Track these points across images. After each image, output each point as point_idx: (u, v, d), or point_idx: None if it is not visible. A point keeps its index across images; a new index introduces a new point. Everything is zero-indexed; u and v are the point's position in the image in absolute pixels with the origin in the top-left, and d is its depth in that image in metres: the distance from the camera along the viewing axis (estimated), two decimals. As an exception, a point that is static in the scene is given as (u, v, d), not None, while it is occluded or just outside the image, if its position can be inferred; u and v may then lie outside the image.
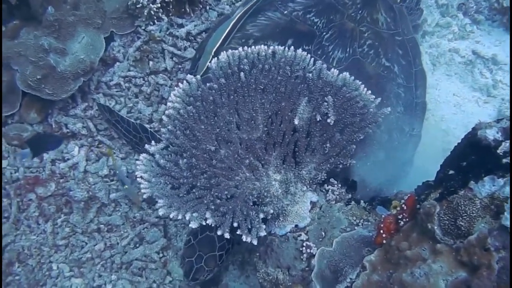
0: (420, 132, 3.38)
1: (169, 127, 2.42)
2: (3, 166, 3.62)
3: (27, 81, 3.45)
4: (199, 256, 2.71)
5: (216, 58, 2.52)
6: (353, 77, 2.56)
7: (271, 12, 3.35)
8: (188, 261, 2.73)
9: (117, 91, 3.90)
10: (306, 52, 2.59)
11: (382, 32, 3.32)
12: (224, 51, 2.54)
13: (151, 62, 3.91)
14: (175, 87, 2.48)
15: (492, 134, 1.99)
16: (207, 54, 3.17)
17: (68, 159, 3.70)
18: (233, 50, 2.54)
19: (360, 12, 3.29)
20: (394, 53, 3.33)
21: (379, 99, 2.59)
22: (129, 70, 3.93)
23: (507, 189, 1.72)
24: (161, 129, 2.45)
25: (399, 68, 3.31)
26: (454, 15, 4.45)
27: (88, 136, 3.79)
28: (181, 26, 4.03)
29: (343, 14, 3.26)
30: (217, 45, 3.15)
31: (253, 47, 2.55)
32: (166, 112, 2.43)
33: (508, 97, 3.95)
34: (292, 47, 2.57)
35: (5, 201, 3.58)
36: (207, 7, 4.17)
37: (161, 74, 3.95)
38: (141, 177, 2.31)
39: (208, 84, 2.51)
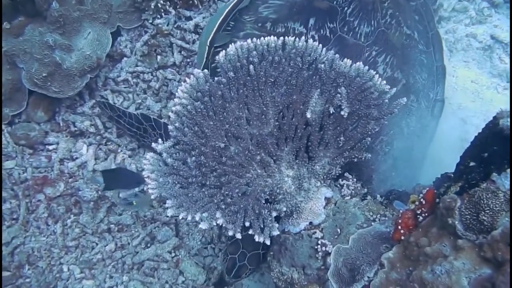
0: (443, 96, 3.31)
1: (177, 124, 2.33)
2: (10, 166, 3.57)
3: (33, 79, 3.39)
4: (242, 254, 2.70)
5: (224, 51, 2.42)
6: (367, 67, 2.44)
7: None
8: (231, 257, 2.71)
9: (125, 87, 3.85)
10: (317, 43, 2.48)
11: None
12: (233, 43, 2.44)
13: (159, 57, 3.84)
14: (182, 82, 2.39)
15: None
16: (202, 45, 3.04)
17: (76, 158, 3.66)
18: (242, 42, 2.44)
19: None
20: (412, 20, 3.27)
21: (394, 89, 2.47)
22: (136, 65, 3.87)
23: None
24: (169, 126, 2.35)
25: (418, 35, 3.26)
26: (471, -2, 4.33)
27: (96, 134, 3.73)
28: (189, 18, 3.96)
29: None
30: (212, 34, 3.01)
31: (262, 38, 2.45)
32: (173, 108, 2.34)
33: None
34: (303, 37, 2.47)
35: (13, 202, 3.53)
36: (215, -1, 4.09)
37: (169, 69, 3.89)
38: (148, 177, 2.23)
39: (216, 78, 2.42)
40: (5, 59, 3.48)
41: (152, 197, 2.19)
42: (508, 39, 4.03)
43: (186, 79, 2.39)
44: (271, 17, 3.09)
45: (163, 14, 3.86)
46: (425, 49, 3.27)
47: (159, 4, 3.76)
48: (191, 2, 3.93)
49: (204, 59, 3.03)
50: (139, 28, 3.93)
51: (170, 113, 2.34)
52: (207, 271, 3.50)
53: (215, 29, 3.02)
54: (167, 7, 3.84)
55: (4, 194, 3.52)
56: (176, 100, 2.34)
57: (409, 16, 3.26)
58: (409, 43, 3.17)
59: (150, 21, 3.88)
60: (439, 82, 3.29)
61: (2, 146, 3.57)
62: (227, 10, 3.04)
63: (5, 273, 3.39)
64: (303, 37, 2.47)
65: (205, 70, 2.42)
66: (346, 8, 3.04)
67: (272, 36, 2.46)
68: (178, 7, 3.91)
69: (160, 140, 2.34)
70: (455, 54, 4.09)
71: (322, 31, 2.99)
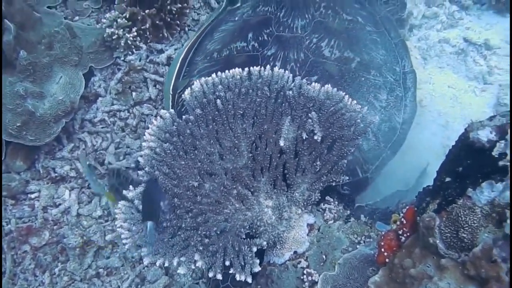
0: (412, 68, 3.33)
1: (146, 168, 2.31)
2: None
3: (7, 130, 3.36)
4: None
5: (189, 88, 2.41)
6: (335, 89, 2.43)
7: (224, 25, 3.48)
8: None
9: (102, 127, 3.82)
10: (283, 70, 2.47)
11: None
12: (197, 80, 2.43)
13: (134, 93, 3.82)
14: (149, 125, 2.37)
15: (485, 135, 1.85)
16: (166, 94, 3.23)
17: (59, 204, 3.61)
18: (206, 78, 2.43)
19: None
20: (352, 8, 3.40)
21: (366, 107, 2.46)
22: (112, 104, 3.84)
23: (507, 193, 1.59)
24: (138, 171, 2.33)
25: (363, 19, 3.37)
26: (440, 4, 4.32)
27: (78, 177, 3.69)
28: (161, 51, 3.95)
29: None
30: (172, 82, 3.22)
31: (227, 71, 2.45)
32: (142, 153, 2.32)
33: (505, 82, 3.81)
34: (268, 66, 2.46)
35: (-1, 255, 3.51)
36: (186, 29, 4.09)
37: (145, 104, 3.87)
38: (120, 226, 2.19)
39: (184, 117, 2.40)
40: (-22, 111, 3.47)
41: (126, 247, 2.15)
42: (481, 41, 4.03)
43: (153, 121, 2.37)
44: (217, 48, 3.31)
45: (134, 50, 3.85)
46: (376, 29, 3.37)
47: (129, 41, 3.75)
48: (161, 35, 3.93)
49: (170, 106, 3.21)
50: (112, 66, 3.91)
51: (139, 158, 2.32)
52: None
53: (174, 77, 3.22)
54: (138, 42, 3.83)
55: (-12, 248, 3.49)
56: (144, 143, 2.32)
57: (347, 5, 3.40)
58: (353, 26, 3.29)
59: (122, 58, 3.87)
60: (402, 56, 3.34)
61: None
62: (180, 58, 3.32)
63: (-3, 330, 3.35)
64: (268, 66, 2.46)
65: (171, 110, 2.40)
66: (278, 13, 3.28)
67: (236, 69, 2.45)
68: (148, 41, 3.90)
69: (131, 186, 2.32)
70: (429, 61, 4.09)
71: (260, 38, 3.18)
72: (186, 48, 3.39)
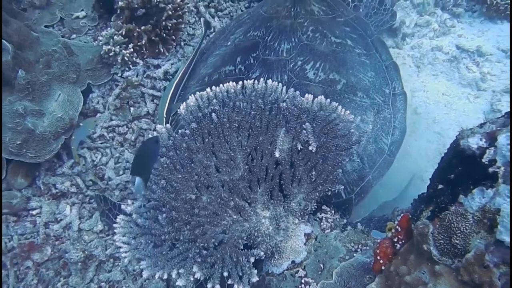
0: (403, 89, 3.35)
1: (144, 182, 2.34)
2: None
3: (8, 148, 3.40)
4: None
5: (184, 103, 2.45)
6: (328, 100, 2.47)
7: (217, 50, 3.64)
8: None
9: (101, 143, 3.87)
10: (276, 82, 2.52)
11: (320, 18, 3.48)
12: (192, 95, 2.47)
13: (132, 108, 3.87)
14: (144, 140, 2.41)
15: (475, 142, 1.87)
16: (161, 118, 3.36)
17: (61, 219, 3.65)
18: (201, 92, 2.47)
19: (292, 9, 3.50)
20: (341, 31, 3.45)
21: (359, 118, 2.50)
22: (111, 120, 3.89)
23: (498, 200, 1.61)
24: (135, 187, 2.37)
25: (352, 42, 3.42)
26: (432, 12, 4.38)
27: (78, 193, 3.73)
28: (157, 66, 4.01)
29: (278, 18, 3.49)
30: (166, 106, 3.35)
31: (221, 85, 2.49)
32: (139, 168, 2.36)
33: (499, 88, 3.84)
34: (262, 79, 2.51)
35: (2, 272, 3.52)
36: (182, 43, 4.16)
37: (143, 119, 3.91)
38: (119, 240, 2.23)
39: (180, 131, 2.44)
40: (-21, 131, 3.51)
41: (125, 260, 2.19)
42: (474, 48, 4.07)
43: (149, 136, 2.41)
44: (209, 71, 3.47)
45: (131, 66, 3.91)
46: (365, 52, 3.40)
47: (125, 57, 3.80)
48: (157, 50, 3.98)
49: None
50: (110, 82, 3.96)
51: (136, 173, 2.35)
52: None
53: (168, 101, 3.36)
54: (134, 58, 3.89)
55: (-8, 265, 3.53)
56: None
57: (336, 29, 3.45)
58: (341, 49, 3.34)
59: (120, 75, 3.92)
60: (393, 78, 3.36)
61: (-15, 217, 3.58)
62: (174, 83, 3.48)
63: None
64: (262, 79, 2.51)
65: (168, 125, 2.44)
66: (266, 37, 3.39)
67: (230, 83, 2.50)
68: (145, 57, 3.96)
69: (129, 201, 2.35)
70: (422, 69, 4.13)
71: (247, 61, 3.32)
72: (180, 74, 3.54)
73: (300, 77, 3.10)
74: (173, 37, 4.04)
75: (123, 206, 2.35)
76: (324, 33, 3.36)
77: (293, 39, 3.30)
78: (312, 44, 3.28)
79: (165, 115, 3.35)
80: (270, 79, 2.55)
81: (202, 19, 4.01)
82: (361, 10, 3.94)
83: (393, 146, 3.12)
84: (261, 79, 2.50)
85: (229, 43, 3.61)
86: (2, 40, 3.44)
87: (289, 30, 3.34)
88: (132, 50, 3.85)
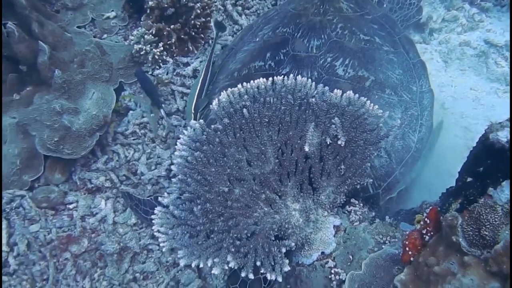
0: (430, 87, 3.39)
1: (179, 176, 2.43)
2: (36, 229, 3.70)
3: (46, 145, 3.52)
4: (242, 282, 2.60)
5: (216, 99, 2.52)
6: (357, 95, 2.52)
7: (246, 46, 3.67)
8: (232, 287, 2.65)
9: (134, 139, 3.96)
10: (306, 78, 2.58)
11: (349, 15, 3.52)
12: (224, 91, 2.55)
13: (163, 105, 3.96)
14: (180, 135, 2.49)
15: (504, 135, 1.91)
16: (189, 114, 3.46)
17: (96, 213, 3.75)
18: (233, 88, 2.54)
19: (321, 7, 3.54)
20: (369, 28, 3.49)
21: (387, 112, 2.54)
22: (142, 117, 3.98)
23: None
24: (172, 179, 2.45)
25: (380, 39, 3.45)
26: (460, 7, 4.37)
27: (112, 187, 3.84)
28: (186, 64, 4.09)
29: (307, 15, 3.53)
30: (194, 102, 3.43)
31: (251, 81, 2.56)
32: (174, 161, 2.44)
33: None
34: (291, 75, 2.57)
35: (42, 263, 3.64)
36: (210, 41, 4.23)
37: (174, 115, 4.00)
38: (158, 231, 2.31)
39: (213, 126, 2.52)
40: (19, 129, 3.63)
41: (164, 250, 2.27)
42: (502, 42, 4.05)
43: (184, 131, 2.49)
44: (237, 67, 3.51)
45: (161, 64, 4.00)
46: (393, 49, 3.43)
47: (156, 56, 3.90)
48: (186, 48, 4.07)
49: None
50: (141, 80, 4.06)
51: (172, 166, 2.44)
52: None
53: (195, 97, 3.44)
54: (164, 57, 3.98)
55: (32, 257, 3.63)
56: (176, 153, 2.44)
57: (364, 26, 3.49)
58: (370, 46, 3.37)
59: (150, 73, 4.02)
60: (420, 76, 3.40)
61: (26, 211, 3.70)
62: (200, 80, 3.54)
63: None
64: (291, 75, 2.57)
65: (201, 121, 2.52)
66: (296, 34, 3.41)
67: (261, 79, 2.56)
68: (175, 55, 4.05)
69: (165, 193, 2.44)
70: (450, 64, 4.13)
71: (277, 57, 3.36)
72: (204, 70, 3.59)
73: (330, 73, 3.14)
74: (202, 35, 4.12)
75: (160, 198, 2.43)
76: (352, 31, 3.39)
77: (322, 36, 3.33)
78: (341, 41, 3.32)
79: (193, 111, 3.43)
80: (300, 75, 2.61)
81: (212, 20, 4.05)
82: (385, 5, 3.96)
83: (419, 143, 3.15)
84: (291, 75, 2.56)
85: (257, 39, 3.65)
86: (39, 41, 3.57)
87: (318, 27, 3.38)
88: (162, 48, 3.94)
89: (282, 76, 2.57)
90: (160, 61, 3.98)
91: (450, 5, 4.37)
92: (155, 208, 2.40)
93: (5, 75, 3.76)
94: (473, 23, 4.27)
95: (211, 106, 2.53)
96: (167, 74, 3.99)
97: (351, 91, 2.52)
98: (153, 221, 2.37)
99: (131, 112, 3.98)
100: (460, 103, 3.88)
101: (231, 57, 3.73)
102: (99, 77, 3.83)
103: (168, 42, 3.97)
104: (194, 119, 3.38)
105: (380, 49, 3.38)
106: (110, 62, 3.94)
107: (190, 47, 4.07)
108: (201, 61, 4.09)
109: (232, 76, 3.48)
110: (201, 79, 3.54)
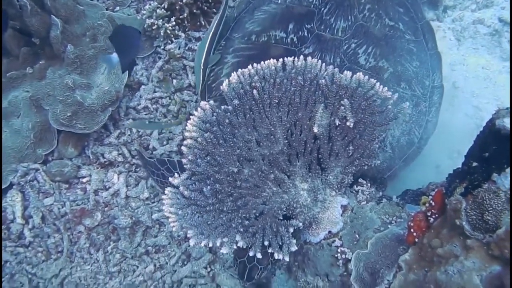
0: (441, 82, 3.35)
1: (190, 157, 2.46)
2: (50, 203, 3.79)
3: (59, 120, 3.58)
4: (250, 256, 2.60)
5: (227, 80, 2.54)
6: (367, 77, 2.53)
7: (266, 6, 3.47)
8: (240, 261, 2.68)
9: (146, 114, 3.99)
10: (316, 59, 2.59)
11: None
12: (234, 72, 2.56)
13: (174, 80, 3.97)
14: (191, 116, 2.52)
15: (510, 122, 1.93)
16: (197, 69, 3.30)
17: (109, 187, 3.82)
18: (243, 70, 2.56)
19: None
20: (395, 12, 3.39)
21: (396, 95, 2.56)
22: (154, 92, 4.01)
23: None
24: (182, 160, 2.49)
25: (404, 25, 3.36)
26: (475, -17, 4.31)
27: (125, 162, 3.90)
28: (198, 39, 4.07)
29: None
30: (203, 57, 3.28)
31: (262, 62, 2.57)
32: (184, 142, 2.48)
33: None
34: (302, 56, 2.57)
35: (56, 236, 3.74)
36: (223, 15, 4.22)
37: (185, 91, 4.02)
38: (168, 211, 2.37)
39: (223, 107, 2.55)
40: (32, 103, 3.69)
41: (174, 229, 2.33)
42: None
43: (194, 112, 2.52)
44: (256, 30, 3.36)
45: (173, 39, 4.00)
46: (414, 38, 3.37)
47: (168, 30, 3.90)
48: (198, 23, 4.06)
49: (201, 82, 3.30)
50: (153, 55, 4.07)
51: (182, 147, 2.48)
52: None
53: (205, 52, 3.29)
54: (176, 31, 3.97)
55: (47, 229, 3.73)
56: (186, 134, 2.48)
57: (391, 9, 3.38)
58: (393, 33, 3.29)
59: (162, 47, 4.02)
60: (434, 69, 3.35)
61: (40, 184, 3.78)
62: (210, 34, 3.35)
63: (57, 304, 3.64)
64: (301, 56, 2.58)
65: (211, 101, 2.54)
66: (322, 9, 3.27)
67: (271, 60, 2.57)
68: (187, 30, 4.04)
69: (176, 174, 2.49)
70: (463, 42, 4.09)
71: (300, 32, 3.23)
72: (215, 25, 3.41)
73: (352, 61, 3.11)
74: (214, 9, 4.09)
75: (170, 179, 2.48)
76: (379, 14, 3.31)
77: (349, 17, 3.24)
78: (367, 25, 3.25)
79: (202, 67, 3.32)
80: (322, 59, 2.58)
81: None
82: None
83: (423, 140, 3.18)
84: (301, 56, 2.57)
85: (279, 0, 3.45)
86: (51, 15, 3.59)
87: (346, 5, 3.27)
88: (174, 23, 3.93)
89: (292, 57, 2.58)
90: (172, 35, 3.97)
91: (465, -18, 4.33)
92: (166, 189, 2.45)
93: (18, 48, 3.80)
94: (488, 0, 4.20)
95: (221, 87, 2.55)
96: (179, 48, 3.98)
97: (361, 73, 2.53)
98: (163, 202, 2.42)
99: (143, 87, 4.01)
100: (472, 82, 3.86)
101: (248, 13, 3.54)
102: (111, 52, 3.84)
103: (180, 17, 3.96)
104: (203, 76, 3.32)
105: (402, 37, 3.32)
106: (123, 37, 3.95)
107: (202, 22, 4.05)
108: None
109: (249, 39, 3.35)
110: (211, 33, 3.38)
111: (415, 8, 3.48)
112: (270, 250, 2.34)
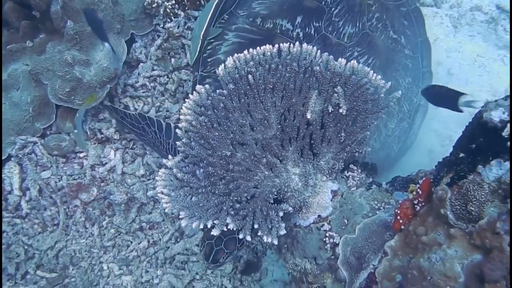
0: (427, 102, 3.40)
1: (184, 139, 2.52)
2: (47, 176, 3.86)
3: (57, 95, 3.62)
4: (218, 239, 2.66)
5: (222, 64, 2.58)
6: (361, 65, 2.57)
7: None
8: (208, 243, 2.70)
9: (143, 92, 4.03)
10: (311, 46, 2.62)
11: (387, 4, 3.39)
12: (230, 56, 2.59)
13: (173, 59, 4.00)
14: (186, 99, 2.57)
15: (497, 115, 1.94)
16: (195, 38, 3.29)
17: (106, 163, 3.89)
18: (239, 54, 2.59)
19: None
20: (400, 25, 3.41)
21: (389, 83, 2.60)
22: (153, 70, 4.03)
23: None
24: (177, 142, 2.54)
25: (405, 39, 3.39)
26: (475, -31, 4.30)
27: (122, 139, 3.95)
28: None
29: None
30: (204, 27, 3.25)
31: (258, 48, 2.60)
32: (179, 125, 2.53)
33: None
34: (297, 43, 2.60)
35: (53, 209, 3.82)
36: (222, -4, 4.21)
37: (183, 70, 4.05)
38: (161, 192, 2.43)
39: (217, 91, 2.58)
40: (31, 76, 3.73)
41: (166, 211, 2.40)
42: (514, 8, 4.01)
43: (189, 95, 2.56)
44: (262, 13, 3.30)
45: (173, 17, 4.00)
46: (412, 54, 3.40)
47: (167, 9, 3.90)
48: (198, 2, 4.05)
49: (197, 53, 3.29)
50: (152, 33, 4.07)
51: (177, 130, 2.53)
52: (233, 260, 3.72)
53: (206, 22, 3.25)
54: (176, 10, 3.98)
55: (44, 202, 3.81)
56: (181, 117, 2.52)
57: (397, 21, 3.39)
58: (394, 47, 3.32)
59: (161, 25, 4.03)
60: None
61: (38, 157, 3.85)
62: (214, 5, 3.28)
63: (52, 275, 3.71)
64: (297, 43, 2.60)
65: (207, 86, 2.58)
66: (333, 9, 3.24)
67: (267, 45, 2.60)
68: (186, 8, 4.04)
69: (170, 156, 2.54)
70: (460, 29, 4.11)
71: (307, 29, 3.21)
72: None
73: None
74: (214, -11, 4.11)
75: (164, 161, 2.54)
76: (385, 25, 3.32)
77: (357, 24, 3.25)
78: (372, 35, 3.26)
79: (201, 37, 3.29)
80: None
81: None
82: None
83: (400, 154, 3.27)
84: (297, 43, 2.60)
85: None
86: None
87: (357, 10, 3.27)
88: (174, 1, 3.93)
89: (288, 44, 2.61)
90: (171, 14, 3.97)
91: (465, -32, 4.32)
92: (160, 170, 2.51)
93: (18, 21, 3.81)
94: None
95: (217, 71, 2.59)
96: (178, 27, 4.00)
97: (355, 61, 2.57)
98: (156, 183, 2.48)
99: (141, 64, 4.03)
100: (466, 70, 3.89)
101: None
102: (111, 28, 3.85)
103: (180, -5, 3.97)
104: (200, 46, 3.31)
105: (402, 51, 3.35)
106: (122, 14, 3.93)
107: (202, 1, 4.05)
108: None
109: (253, 21, 3.29)
110: (215, 3, 3.32)
111: (418, 21, 3.51)
112: (259, 233, 2.40)
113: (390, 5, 3.41)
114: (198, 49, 3.31)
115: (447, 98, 2.72)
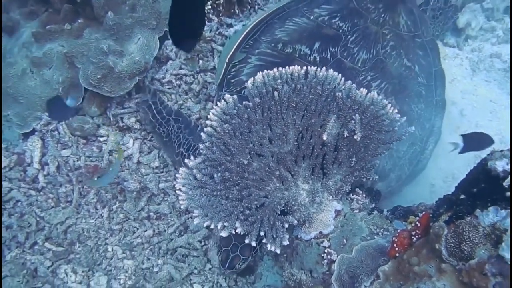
0: (440, 129, 3.54)
1: (207, 143, 2.66)
2: (67, 154, 4.02)
3: (88, 80, 3.78)
4: (234, 245, 2.84)
5: (252, 78, 2.72)
6: (380, 97, 2.70)
7: (298, 18, 3.62)
8: (224, 250, 2.87)
9: (169, 88, 4.18)
10: (337, 73, 2.76)
11: (403, 35, 3.55)
12: (260, 72, 2.73)
13: (201, 61, 4.15)
14: (214, 106, 2.72)
15: (501, 165, 2.07)
16: (222, 62, 3.47)
17: (123, 150, 4.03)
18: (268, 71, 2.74)
19: (382, 16, 3.53)
20: (414, 54, 3.55)
21: (405, 118, 2.73)
22: (180, 68, 4.18)
23: (507, 221, 1.83)
24: (200, 145, 2.69)
25: (419, 68, 3.53)
26: (499, 18, 4.42)
27: (141, 129, 4.11)
28: (230, 26, 4.25)
29: (367, 18, 3.52)
30: (231, 52, 3.45)
31: (287, 67, 2.75)
32: (205, 129, 2.67)
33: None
34: (324, 68, 2.73)
35: (68, 186, 3.98)
36: (256, 7, 4.37)
37: (209, 73, 4.19)
38: (179, 189, 2.59)
39: (244, 103, 2.73)
40: (65, 58, 3.90)
41: (182, 207, 2.55)
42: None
43: (218, 103, 2.71)
44: (284, 39, 3.51)
45: (206, 21, 4.16)
46: (426, 82, 3.54)
47: (203, 13, 4.07)
48: (232, 10, 4.22)
49: (222, 74, 3.46)
50: (185, 33, 4.23)
51: (202, 134, 2.68)
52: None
53: (233, 49, 3.46)
54: (211, 15, 4.14)
55: (60, 179, 3.97)
56: (207, 122, 2.67)
57: (412, 51, 3.53)
58: (407, 74, 3.46)
59: (195, 28, 4.19)
60: (437, 114, 3.54)
61: (60, 135, 4.01)
62: (245, 32, 3.50)
63: (58, 248, 3.86)
64: (324, 67, 2.75)
65: (235, 96, 2.73)
66: (349, 36, 3.42)
67: (296, 66, 2.75)
68: (220, 15, 4.20)
69: (192, 157, 2.70)
70: (477, 73, 4.22)
71: (324, 53, 3.39)
72: (253, 24, 3.58)
73: None
74: (249, 0, 4.26)
75: (186, 160, 2.70)
76: (400, 53, 3.47)
77: (372, 50, 3.41)
78: (386, 61, 3.42)
79: (227, 61, 3.47)
80: None
81: None
82: (427, 13, 4.02)
83: (410, 177, 3.38)
84: (323, 67, 2.73)
85: (311, 17, 3.59)
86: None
87: (372, 38, 3.45)
88: (210, 6, 4.10)
89: (316, 67, 2.75)
90: (206, 18, 4.13)
91: (490, 15, 4.44)
92: (180, 169, 2.67)
93: (60, 3, 3.98)
94: (509, 36, 4.32)
95: (246, 83, 2.73)
96: (210, 31, 4.15)
97: (375, 92, 2.71)
98: (177, 180, 2.63)
99: (170, 62, 4.19)
100: (478, 113, 4.03)
101: (280, 20, 3.66)
102: (147, 24, 4.02)
103: (217, 2, 4.12)
104: (225, 69, 3.47)
105: (415, 79, 3.49)
106: (159, 11, 4.09)
107: (236, 10, 4.22)
108: (244, 25, 4.22)
109: (275, 46, 3.50)
110: (246, 31, 3.53)
111: (433, 53, 3.65)
112: (264, 241, 2.55)
113: (405, 35, 3.56)
114: (223, 71, 3.49)
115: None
